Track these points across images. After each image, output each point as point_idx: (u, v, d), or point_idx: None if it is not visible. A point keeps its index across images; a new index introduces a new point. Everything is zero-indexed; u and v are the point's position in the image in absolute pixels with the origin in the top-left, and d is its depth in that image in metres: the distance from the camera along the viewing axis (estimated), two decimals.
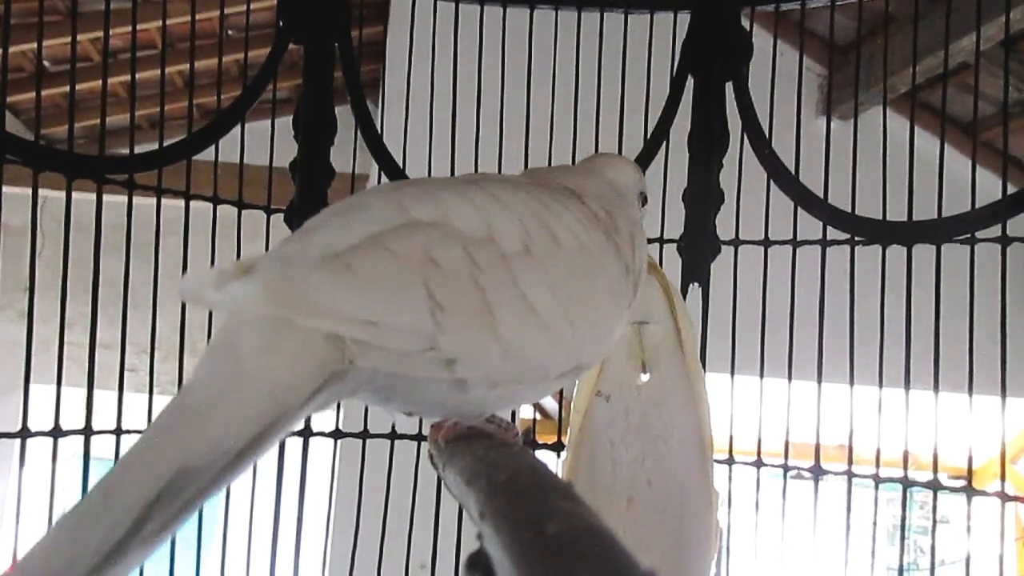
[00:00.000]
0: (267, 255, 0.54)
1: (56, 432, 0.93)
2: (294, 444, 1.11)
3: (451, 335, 0.51)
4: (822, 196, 1.08)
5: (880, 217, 1.04)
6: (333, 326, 0.48)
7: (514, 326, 0.53)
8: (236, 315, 0.50)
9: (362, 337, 0.49)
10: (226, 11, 1.17)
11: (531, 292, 0.54)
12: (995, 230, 0.96)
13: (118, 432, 1.00)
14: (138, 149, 1.02)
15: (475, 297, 0.52)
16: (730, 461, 1.06)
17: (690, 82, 1.15)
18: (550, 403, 4.01)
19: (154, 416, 1.00)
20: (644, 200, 0.79)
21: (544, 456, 1.09)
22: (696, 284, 1.09)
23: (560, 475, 0.92)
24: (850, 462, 1.02)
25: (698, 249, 1.10)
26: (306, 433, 1.12)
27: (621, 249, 0.64)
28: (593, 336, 0.60)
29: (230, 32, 2.29)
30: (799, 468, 1.07)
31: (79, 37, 1.09)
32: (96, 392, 0.98)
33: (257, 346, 0.48)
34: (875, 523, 0.98)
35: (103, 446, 0.97)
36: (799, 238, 1.08)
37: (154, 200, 1.04)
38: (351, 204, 0.58)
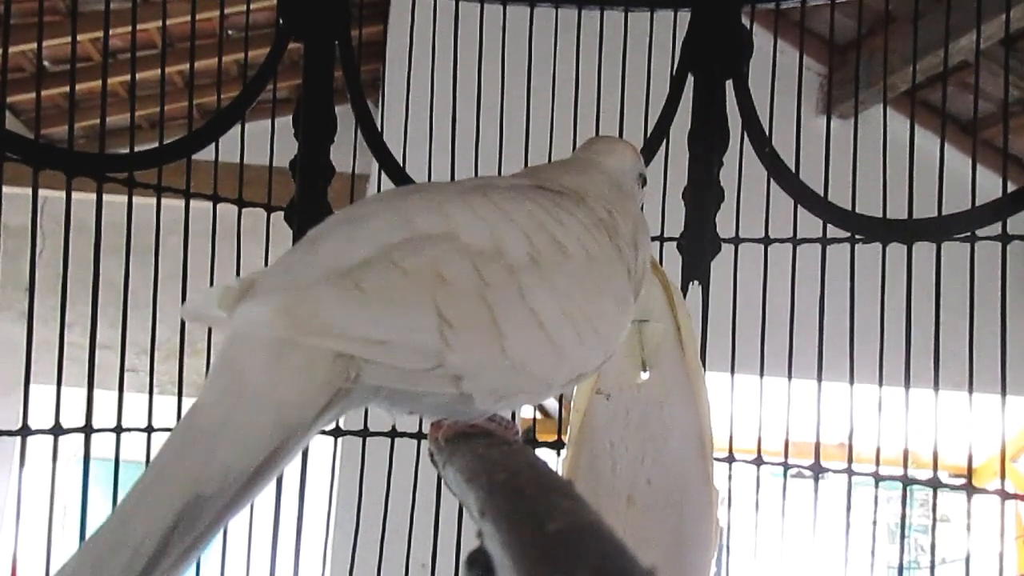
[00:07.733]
0: (270, 272, 0.53)
1: (56, 430, 0.93)
2: None
3: (459, 352, 0.50)
4: (822, 194, 1.08)
5: (880, 215, 1.04)
6: (344, 346, 0.48)
7: (521, 342, 0.53)
8: (239, 332, 0.49)
9: (372, 356, 0.48)
10: (226, 11, 1.16)
11: (539, 307, 0.53)
12: (995, 228, 0.96)
13: (118, 430, 1.00)
14: (138, 148, 1.02)
15: (483, 314, 0.51)
16: (730, 459, 1.06)
17: (690, 80, 1.15)
18: (551, 401, 4.01)
19: (155, 416, 1.00)
20: (644, 181, 0.77)
21: (544, 454, 1.09)
22: (696, 282, 1.09)
23: (560, 473, 0.92)
24: (850, 460, 1.02)
25: (698, 247, 1.10)
26: None
27: (623, 252, 0.63)
28: (597, 346, 0.59)
29: (230, 32, 2.29)
30: (799, 467, 1.07)
31: (79, 37, 1.09)
32: (96, 392, 0.98)
33: (262, 366, 0.48)
34: (875, 521, 0.98)
35: (103, 446, 0.97)
36: (799, 236, 1.08)
37: (154, 201, 1.04)
38: (354, 214, 0.57)
